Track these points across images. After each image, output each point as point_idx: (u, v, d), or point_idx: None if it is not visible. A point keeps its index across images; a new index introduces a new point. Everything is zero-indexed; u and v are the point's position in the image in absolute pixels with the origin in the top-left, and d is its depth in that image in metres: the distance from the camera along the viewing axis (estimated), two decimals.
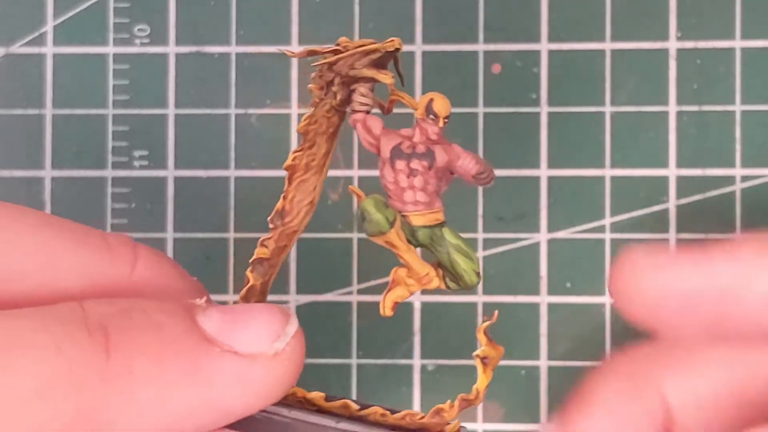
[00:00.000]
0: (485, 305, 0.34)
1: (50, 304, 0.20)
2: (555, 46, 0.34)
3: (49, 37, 0.35)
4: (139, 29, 0.35)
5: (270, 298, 0.25)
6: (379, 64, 0.23)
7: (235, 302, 0.23)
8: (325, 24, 0.34)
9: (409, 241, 0.23)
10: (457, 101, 0.34)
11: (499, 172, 0.32)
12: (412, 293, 0.23)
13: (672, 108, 0.34)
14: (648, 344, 0.25)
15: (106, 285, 0.21)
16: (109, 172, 0.35)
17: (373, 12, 0.34)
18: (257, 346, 0.20)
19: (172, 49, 0.35)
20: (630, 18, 0.34)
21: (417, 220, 0.23)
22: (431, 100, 0.23)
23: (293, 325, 0.21)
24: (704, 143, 0.34)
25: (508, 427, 0.34)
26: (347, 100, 0.23)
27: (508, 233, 0.34)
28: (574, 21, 0.34)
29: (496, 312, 0.23)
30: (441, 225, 0.23)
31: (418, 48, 0.34)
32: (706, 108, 0.34)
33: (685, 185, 0.34)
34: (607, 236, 0.34)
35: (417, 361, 0.34)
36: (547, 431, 0.23)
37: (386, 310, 0.23)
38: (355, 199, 0.34)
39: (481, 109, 0.34)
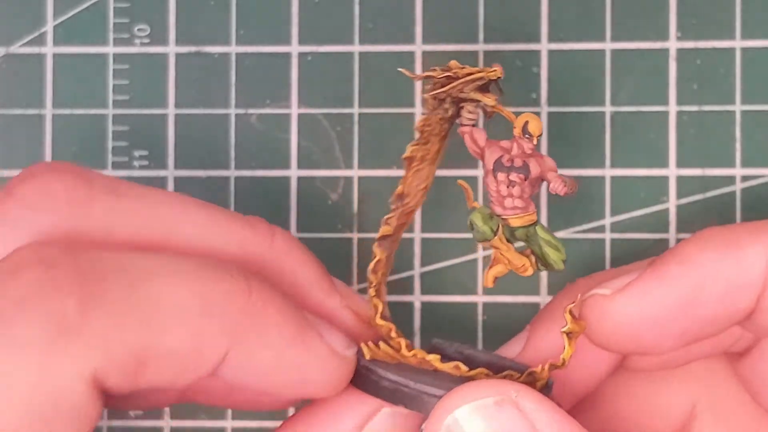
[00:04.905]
0: (485, 305, 0.34)
1: None
2: (555, 46, 0.34)
3: (49, 37, 0.35)
4: (139, 29, 0.35)
5: None
6: (483, 87, 0.27)
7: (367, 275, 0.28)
8: (325, 24, 0.34)
9: (508, 240, 0.27)
10: None
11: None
12: (509, 270, 0.28)
13: (672, 108, 0.34)
14: (599, 273, 0.29)
15: (251, 252, 0.27)
16: (109, 172, 0.35)
17: (373, 12, 0.34)
18: (338, 346, 0.26)
19: (172, 49, 0.35)
20: (630, 18, 0.34)
21: (515, 222, 0.27)
22: (527, 122, 0.26)
23: (355, 347, 0.27)
24: (704, 143, 0.34)
25: None
26: (457, 115, 0.28)
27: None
28: (574, 21, 0.34)
29: (579, 295, 0.27)
30: (534, 224, 0.27)
31: (418, 48, 0.34)
32: (706, 108, 0.34)
33: (685, 185, 0.34)
34: (607, 236, 0.34)
35: None
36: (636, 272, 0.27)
37: (488, 283, 0.28)
38: (355, 199, 0.34)
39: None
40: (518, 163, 0.27)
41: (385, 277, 0.29)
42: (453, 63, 0.27)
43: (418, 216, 0.34)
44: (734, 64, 0.34)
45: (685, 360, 0.29)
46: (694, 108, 0.34)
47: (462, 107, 0.28)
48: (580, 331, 0.27)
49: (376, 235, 0.34)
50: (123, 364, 0.23)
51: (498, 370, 0.27)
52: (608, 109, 0.34)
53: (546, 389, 0.27)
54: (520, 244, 0.28)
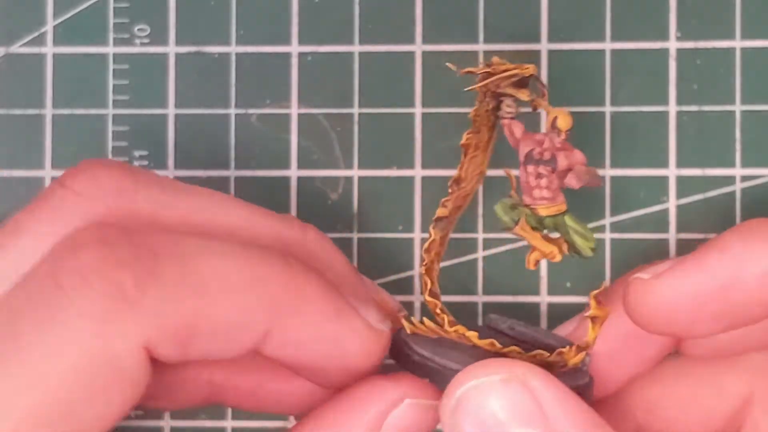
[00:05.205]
0: (485, 305, 0.34)
1: None
2: (555, 46, 0.34)
3: (49, 37, 0.35)
4: (139, 29, 0.35)
5: None
6: (520, 83, 0.29)
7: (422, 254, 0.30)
8: (325, 24, 0.34)
9: (537, 228, 0.29)
10: (457, 101, 0.34)
11: (499, 172, 0.32)
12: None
13: (672, 108, 0.34)
14: (661, 261, 0.29)
15: (286, 244, 0.29)
16: None
17: (373, 12, 0.34)
18: (373, 320, 0.28)
19: (172, 49, 0.35)
20: (630, 18, 0.34)
21: (543, 211, 0.29)
22: (555, 117, 0.28)
23: (389, 322, 0.29)
24: (704, 143, 0.34)
25: None
26: (497, 108, 0.30)
27: (508, 233, 0.34)
28: (574, 21, 0.34)
29: (606, 282, 0.30)
30: (563, 213, 0.28)
31: (418, 48, 0.34)
32: (706, 108, 0.34)
33: (685, 185, 0.34)
34: (607, 236, 0.34)
35: None
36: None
37: (530, 265, 0.29)
38: (355, 199, 0.34)
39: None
40: (547, 156, 0.28)
41: (438, 257, 0.30)
42: (495, 59, 0.29)
43: (418, 216, 0.34)
44: (734, 64, 0.34)
45: (740, 349, 0.30)
46: (694, 108, 0.34)
47: (501, 101, 0.29)
48: (604, 317, 0.28)
49: (376, 235, 0.34)
50: (174, 334, 0.25)
51: (539, 347, 0.28)
52: (608, 109, 0.34)
53: (580, 371, 0.29)
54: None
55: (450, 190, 0.30)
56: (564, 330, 0.31)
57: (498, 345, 0.28)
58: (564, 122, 0.28)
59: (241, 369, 0.31)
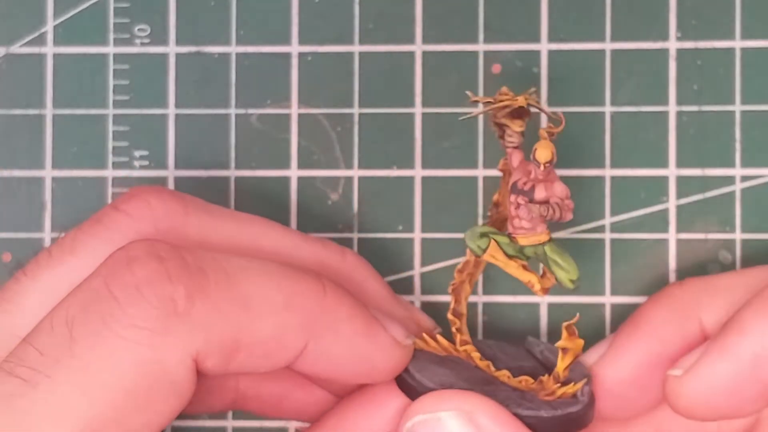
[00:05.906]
0: (485, 305, 0.34)
1: None
2: (555, 46, 0.34)
3: (49, 37, 0.35)
4: (139, 29, 0.35)
5: None
6: (517, 112, 0.29)
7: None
8: (325, 24, 0.34)
9: (518, 256, 0.29)
10: (458, 101, 0.34)
11: (499, 173, 0.32)
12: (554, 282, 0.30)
13: (672, 108, 0.34)
14: (690, 280, 0.30)
15: (326, 265, 0.30)
16: (109, 172, 0.35)
17: (373, 12, 0.34)
18: (399, 336, 0.29)
19: (172, 49, 0.35)
20: (630, 18, 0.34)
21: (522, 241, 0.29)
22: (536, 149, 0.28)
23: (413, 337, 0.30)
24: (704, 143, 0.34)
25: None
26: (502, 136, 0.30)
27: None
28: (574, 21, 0.34)
29: (578, 315, 0.28)
30: (544, 243, 0.28)
31: (418, 48, 0.34)
32: (706, 108, 0.34)
33: (685, 185, 0.34)
34: (607, 236, 0.34)
35: None
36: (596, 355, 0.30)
37: (540, 293, 0.29)
38: (355, 199, 0.34)
39: (481, 109, 0.34)
40: (528, 186, 0.28)
41: (471, 278, 0.31)
42: (504, 89, 0.29)
43: (418, 216, 0.34)
44: (734, 64, 0.34)
45: None
46: (694, 108, 0.34)
47: (504, 131, 0.29)
48: (576, 349, 0.28)
49: (376, 235, 0.34)
50: (220, 347, 0.26)
51: (515, 377, 0.29)
52: (608, 109, 0.34)
53: (575, 399, 0.29)
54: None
55: (489, 213, 0.31)
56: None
57: (492, 368, 0.29)
58: (542, 155, 0.28)
59: (266, 378, 0.31)
